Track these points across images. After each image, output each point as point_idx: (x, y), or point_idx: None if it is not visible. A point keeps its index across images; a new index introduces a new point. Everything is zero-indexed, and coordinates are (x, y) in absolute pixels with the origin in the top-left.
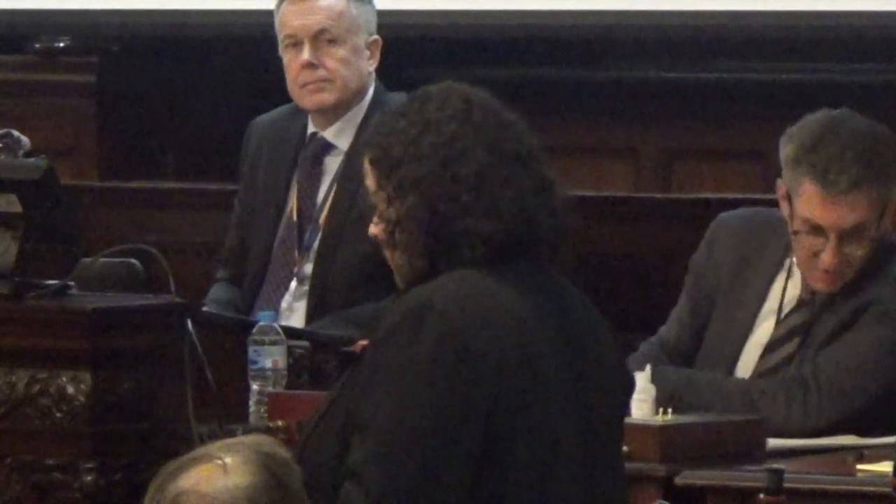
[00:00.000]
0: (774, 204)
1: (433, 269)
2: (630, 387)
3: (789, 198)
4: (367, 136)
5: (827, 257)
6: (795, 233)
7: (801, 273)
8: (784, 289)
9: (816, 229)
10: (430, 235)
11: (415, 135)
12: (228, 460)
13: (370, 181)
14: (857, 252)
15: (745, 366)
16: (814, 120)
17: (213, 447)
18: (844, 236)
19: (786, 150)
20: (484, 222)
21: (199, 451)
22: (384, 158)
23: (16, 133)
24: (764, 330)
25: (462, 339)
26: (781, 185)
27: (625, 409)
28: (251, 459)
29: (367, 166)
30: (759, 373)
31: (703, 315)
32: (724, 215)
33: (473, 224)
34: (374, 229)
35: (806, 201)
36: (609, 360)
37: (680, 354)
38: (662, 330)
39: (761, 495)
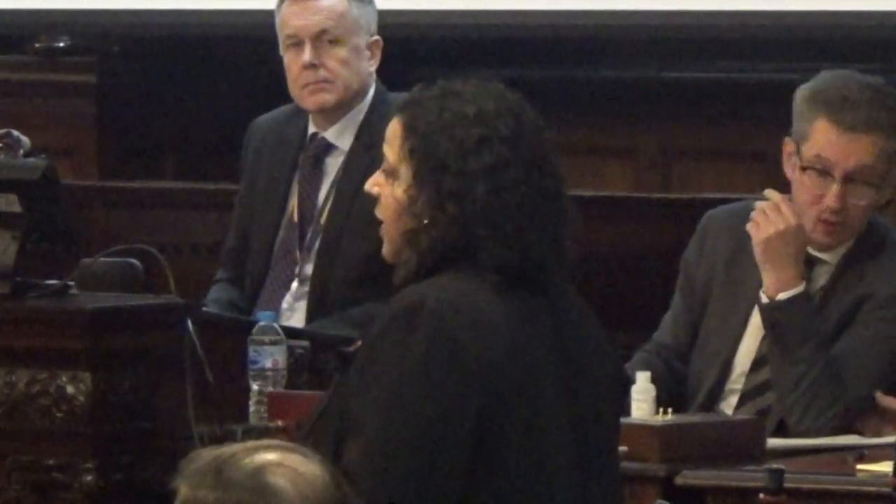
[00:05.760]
0: None
1: (435, 271)
2: (626, 390)
3: (798, 151)
4: (409, 116)
5: (829, 200)
6: (801, 175)
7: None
8: None
9: (823, 171)
10: (451, 248)
11: (469, 147)
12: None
13: (396, 157)
14: (860, 202)
15: (744, 355)
16: (829, 71)
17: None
18: (849, 180)
19: (800, 97)
20: (507, 252)
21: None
22: (430, 156)
23: (16, 133)
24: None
25: (454, 340)
26: (789, 143)
27: (620, 411)
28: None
29: (400, 147)
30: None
31: (697, 312)
32: (712, 211)
33: (498, 252)
34: (374, 188)
35: (818, 137)
36: (604, 362)
37: (678, 354)
38: (656, 335)
39: (761, 495)
